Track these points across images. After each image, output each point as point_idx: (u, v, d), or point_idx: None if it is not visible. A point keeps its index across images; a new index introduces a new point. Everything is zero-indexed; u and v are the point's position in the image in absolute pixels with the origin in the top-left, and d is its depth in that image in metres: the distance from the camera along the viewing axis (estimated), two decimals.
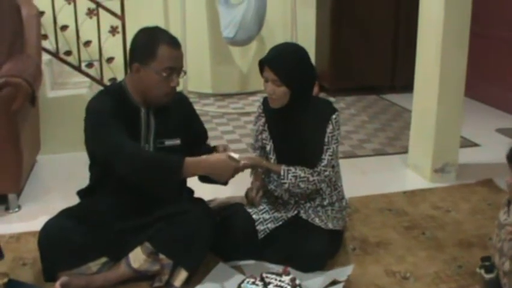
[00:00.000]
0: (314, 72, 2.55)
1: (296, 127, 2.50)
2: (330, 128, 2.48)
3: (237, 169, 2.32)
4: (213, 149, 2.55)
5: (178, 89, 2.45)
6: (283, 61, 2.41)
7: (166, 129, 2.39)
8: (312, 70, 2.52)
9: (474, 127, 4.51)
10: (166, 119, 2.43)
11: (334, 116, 2.49)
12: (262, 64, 2.45)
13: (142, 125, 2.40)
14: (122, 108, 2.35)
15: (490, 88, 5.31)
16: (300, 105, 2.48)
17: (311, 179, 2.47)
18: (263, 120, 2.63)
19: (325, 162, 2.48)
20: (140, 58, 2.30)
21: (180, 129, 2.43)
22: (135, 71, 2.33)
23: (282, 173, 2.46)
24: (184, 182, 2.61)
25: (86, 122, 2.35)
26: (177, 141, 2.45)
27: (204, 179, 2.54)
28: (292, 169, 2.46)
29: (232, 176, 2.33)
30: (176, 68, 2.32)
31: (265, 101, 2.61)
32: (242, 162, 2.34)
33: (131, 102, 2.38)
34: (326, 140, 2.48)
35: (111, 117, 2.28)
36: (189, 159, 2.23)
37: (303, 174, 2.46)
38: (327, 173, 2.49)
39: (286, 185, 2.46)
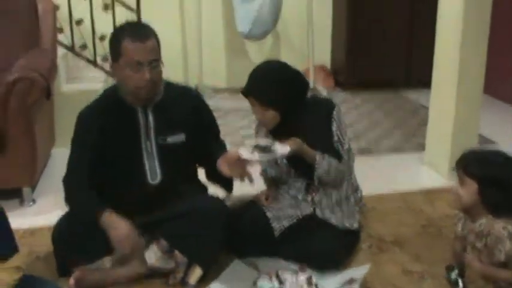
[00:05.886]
0: (300, 82, 2.53)
1: (299, 132, 2.46)
2: (334, 126, 2.50)
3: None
4: (224, 148, 2.53)
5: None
6: (262, 87, 2.42)
7: (167, 126, 2.37)
8: (297, 82, 2.51)
9: (491, 125, 4.43)
10: (167, 115, 2.40)
11: (334, 113, 2.51)
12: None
13: (141, 124, 2.38)
14: (117, 110, 2.37)
15: (508, 86, 5.24)
16: (296, 114, 2.48)
17: (340, 168, 2.48)
18: (264, 130, 2.61)
19: (345, 157, 2.51)
20: (112, 57, 2.31)
21: (185, 124, 2.38)
22: (114, 70, 2.34)
23: (317, 159, 2.43)
24: (197, 177, 2.60)
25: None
26: (182, 137, 2.42)
27: (211, 178, 2.55)
28: (326, 156, 2.45)
29: (133, 250, 2.29)
30: (143, 62, 2.24)
31: None
32: (282, 150, 2.33)
33: (126, 102, 2.38)
34: (336, 138, 2.50)
35: (86, 137, 2.36)
36: (107, 217, 2.27)
37: (334, 163, 2.46)
38: (350, 163, 2.55)
39: (320, 171, 2.44)
